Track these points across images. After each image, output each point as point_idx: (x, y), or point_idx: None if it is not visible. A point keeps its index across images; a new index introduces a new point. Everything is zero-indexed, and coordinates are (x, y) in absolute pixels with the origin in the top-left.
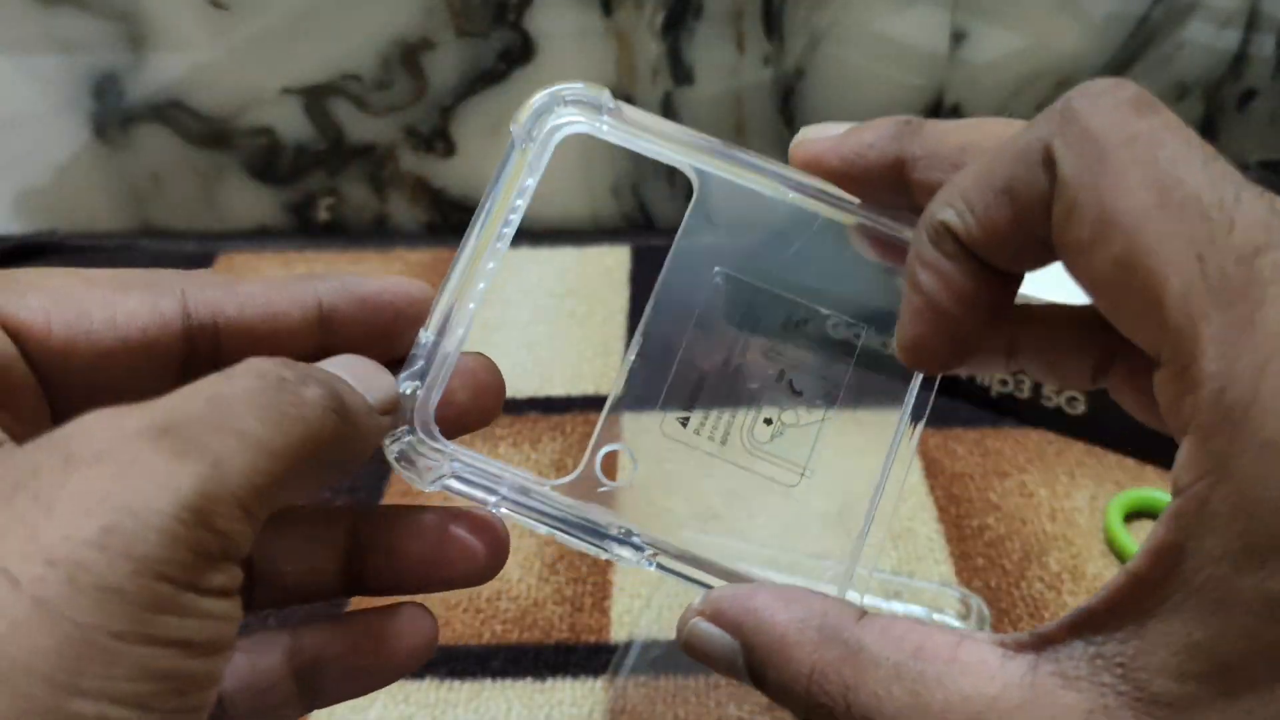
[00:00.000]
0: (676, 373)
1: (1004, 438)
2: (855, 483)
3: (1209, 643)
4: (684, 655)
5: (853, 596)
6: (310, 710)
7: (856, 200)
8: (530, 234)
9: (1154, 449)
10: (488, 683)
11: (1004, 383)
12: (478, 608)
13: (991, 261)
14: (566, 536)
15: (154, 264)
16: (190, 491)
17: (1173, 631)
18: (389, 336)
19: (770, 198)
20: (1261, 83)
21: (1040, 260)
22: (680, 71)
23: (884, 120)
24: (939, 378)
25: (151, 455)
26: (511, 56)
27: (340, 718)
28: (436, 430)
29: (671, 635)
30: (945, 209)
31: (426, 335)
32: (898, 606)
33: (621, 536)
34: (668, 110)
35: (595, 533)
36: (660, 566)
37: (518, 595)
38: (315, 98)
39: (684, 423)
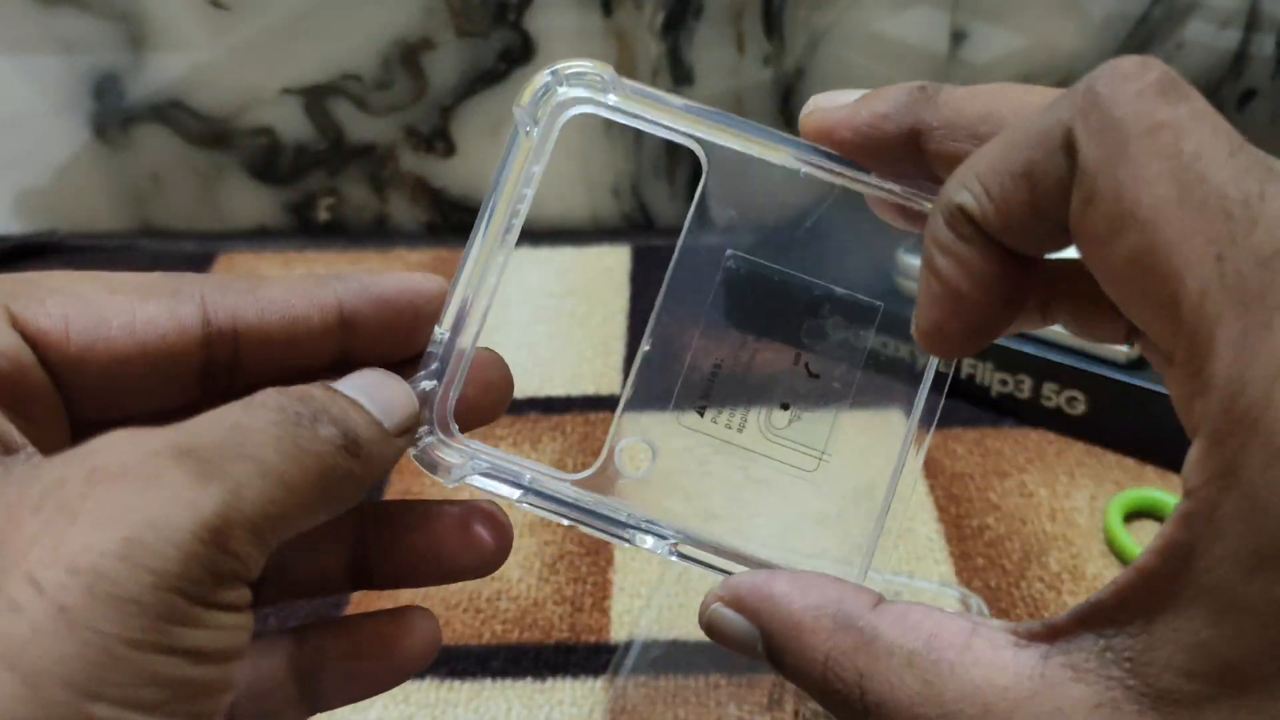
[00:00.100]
0: (692, 361)
1: (1004, 438)
2: (871, 474)
3: (1216, 642)
4: (684, 655)
5: (870, 580)
6: (312, 714)
7: (870, 172)
8: (530, 234)
9: (1154, 449)
10: (488, 683)
11: (1004, 383)
12: (478, 608)
13: (1009, 245)
14: (589, 528)
15: (154, 264)
16: (210, 513)
17: (1181, 629)
18: (408, 335)
19: (783, 171)
20: (1261, 83)
21: (1059, 244)
22: (680, 71)
23: (897, 87)
24: (950, 374)
25: (174, 475)
26: (511, 56)
27: (340, 718)
28: (455, 428)
29: (671, 635)
30: (961, 192)
31: (441, 332)
32: None
33: (643, 526)
34: None
35: (617, 523)
36: (681, 555)
37: (518, 595)
38: (315, 98)
39: (701, 412)
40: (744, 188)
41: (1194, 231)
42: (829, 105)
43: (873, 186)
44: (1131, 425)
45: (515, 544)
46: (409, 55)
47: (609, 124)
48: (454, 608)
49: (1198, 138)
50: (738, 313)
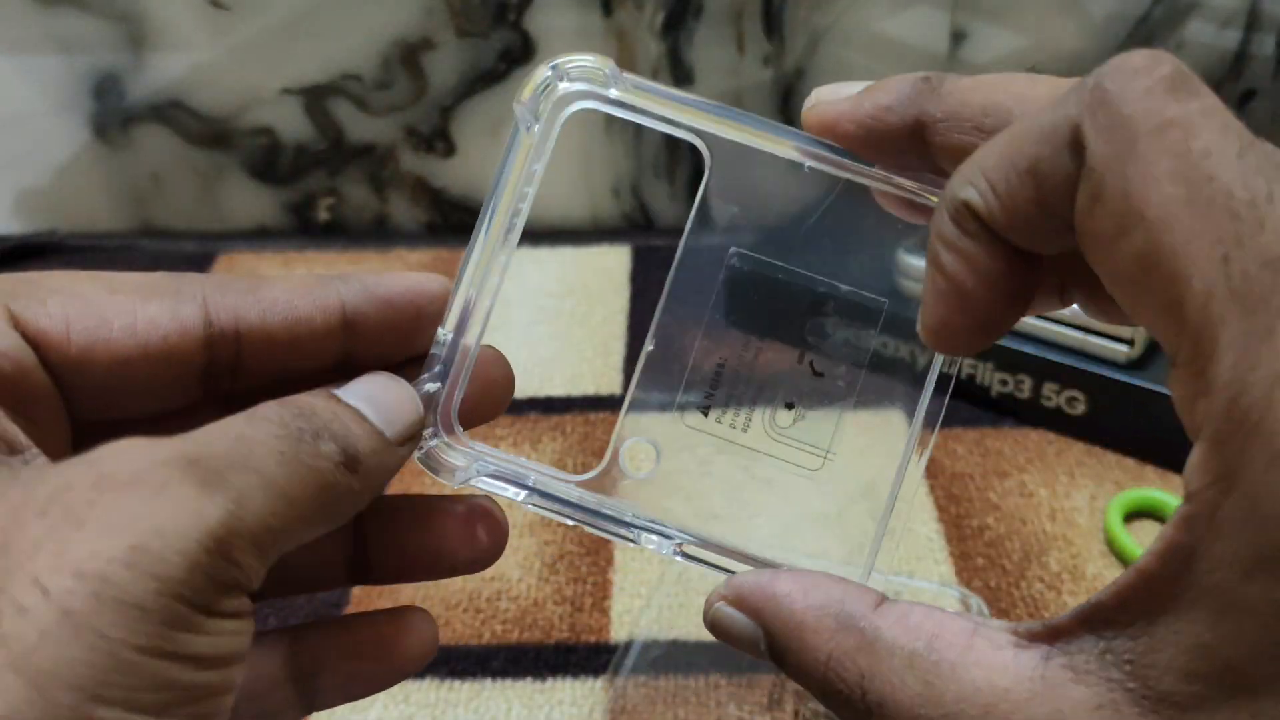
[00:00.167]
0: (695, 360)
1: (1004, 438)
2: (875, 474)
3: (1217, 645)
4: (684, 655)
5: (873, 580)
6: (308, 713)
7: (875, 165)
8: (530, 234)
9: (1154, 449)
10: (488, 683)
11: (1004, 383)
12: (478, 608)
13: (1015, 242)
14: (594, 529)
15: (154, 264)
16: (216, 523)
17: (1182, 631)
18: (411, 335)
19: (787, 166)
20: (1261, 83)
21: (1065, 242)
22: (680, 71)
23: (901, 78)
24: (954, 375)
25: (181, 484)
26: (511, 56)
27: (341, 718)
28: (460, 429)
29: (671, 635)
30: (967, 188)
31: (444, 333)
32: None
33: (648, 526)
34: None
35: (622, 523)
36: (686, 555)
37: (518, 595)
38: (315, 98)
39: (705, 411)
40: (747, 184)
41: (1201, 232)
42: (832, 98)
43: (878, 180)
44: (1131, 425)
45: (515, 544)
46: (409, 55)
47: (609, 123)
48: (454, 608)
49: (1207, 135)
50: (741, 311)
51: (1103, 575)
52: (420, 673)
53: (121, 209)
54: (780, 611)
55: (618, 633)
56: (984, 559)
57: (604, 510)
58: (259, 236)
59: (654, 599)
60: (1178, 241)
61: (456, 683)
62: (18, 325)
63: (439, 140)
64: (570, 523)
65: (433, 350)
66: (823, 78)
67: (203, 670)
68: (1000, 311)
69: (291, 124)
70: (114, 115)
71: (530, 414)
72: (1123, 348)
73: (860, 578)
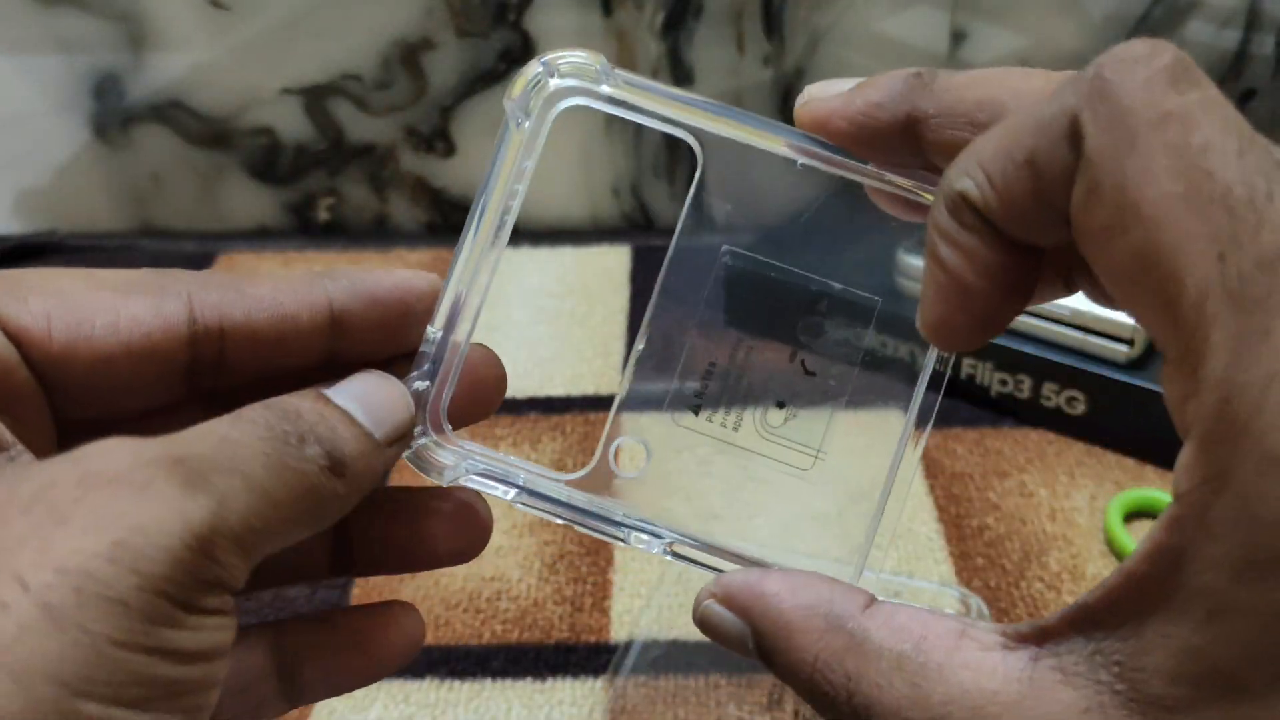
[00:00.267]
0: (686, 359)
1: (1004, 438)
2: (867, 473)
3: (1206, 648)
4: (684, 655)
5: (865, 580)
6: (293, 707)
7: (869, 162)
8: (530, 234)
9: (1154, 449)
10: (488, 683)
11: (1004, 383)
12: (478, 608)
13: (1012, 235)
14: (584, 528)
15: (154, 264)
16: (199, 522)
17: (1170, 634)
18: (399, 333)
19: (780, 163)
20: (1261, 83)
21: (1064, 235)
22: (680, 71)
23: (893, 74)
24: (947, 373)
25: (165, 483)
26: (511, 56)
27: (341, 717)
28: (449, 427)
29: (671, 635)
30: (963, 179)
31: (434, 331)
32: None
33: (638, 526)
34: None
35: (612, 523)
36: (676, 555)
37: (518, 595)
38: (315, 98)
39: (696, 411)
40: (740, 181)
41: (1197, 230)
42: (824, 95)
43: (871, 178)
44: (1131, 425)
45: (515, 544)
46: (409, 55)
47: (609, 123)
48: (454, 608)
49: (1207, 130)
50: (733, 310)
51: (1102, 575)
52: (420, 672)
53: (121, 209)
54: (768, 611)
55: (618, 633)
56: (984, 559)
57: (593, 509)
58: (259, 236)
59: (654, 599)
60: (1174, 238)
61: (456, 683)
62: None
63: (439, 140)
64: (560, 521)
65: (422, 348)
66: (823, 77)
67: (185, 665)
68: (999, 305)
69: (291, 124)
70: (114, 115)
71: (530, 414)
72: (1123, 348)
73: (851, 578)
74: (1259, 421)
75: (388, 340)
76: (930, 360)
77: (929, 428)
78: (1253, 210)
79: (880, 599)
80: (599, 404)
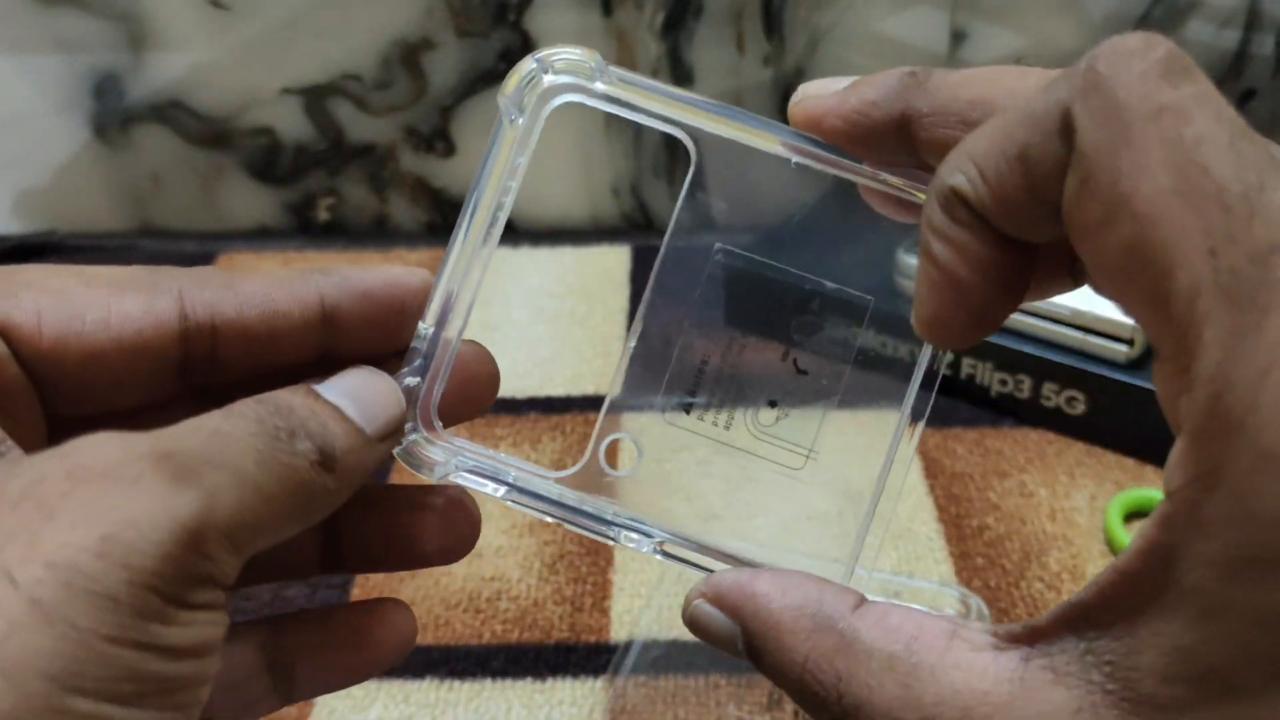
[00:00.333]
0: (678, 358)
1: (1004, 437)
2: (859, 473)
3: (1198, 647)
4: (684, 655)
5: (858, 579)
6: (286, 704)
7: (863, 162)
8: (530, 234)
9: (1154, 449)
10: (488, 683)
11: (1004, 383)
12: (478, 608)
13: (1006, 231)
14: (574, 526)
15: (153, 264)
16: (188, 516)
17: (1162, 633)
18: (392, 329)
19: (774, 162)
20: (1261, 83)
21: (1057, 231)
22: (680, 71)
23: (887, 73)
24: (940, 372)
25: (154, 478)
26: (511, 56)
27: (341, 717)
28: (440, 424)
29: (671, 635)
30: (956, 174)
31: (425, 327)
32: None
33: (628, 524)
34: None
35: (602, 521)
36: (666, 554)
37: (518, 595)
38: (315, 98)
39: (687, 409)
40: (734, 179)
41: (1190, 224)
42: (818, 93)
43: (866, 177)
44: (1131, 425)
45: (515, 544)
46: (409, 55)
47: (609, 123)
48: (454, 608)
49: (1201, 123)
50: (725, 308)
51: None
52: (420, 672)
53: (121, 209)
54: (758, 611)
55: (618, 633)
56: (984, 559)
57: (584, 508)
58: (259, 236)
59: (654, 599)
60: (1166, 233)
61: (456, 683)
62: None
63: (439, 140)
64: (550, 520)
65: (413, 345)
66: (823, 77)
67: (176, 661)
68: (994, 302)
69: (291, 124)
70: (114, 115)
71: (530, 414)
72: (1123, 348)
73: (842, 578)
74: (1252, 418)
75: (381, 337)
76: (924, 358)
77: (922, 425)
78: (1246, 204)
79: (872, 599)
80: (599, 404)
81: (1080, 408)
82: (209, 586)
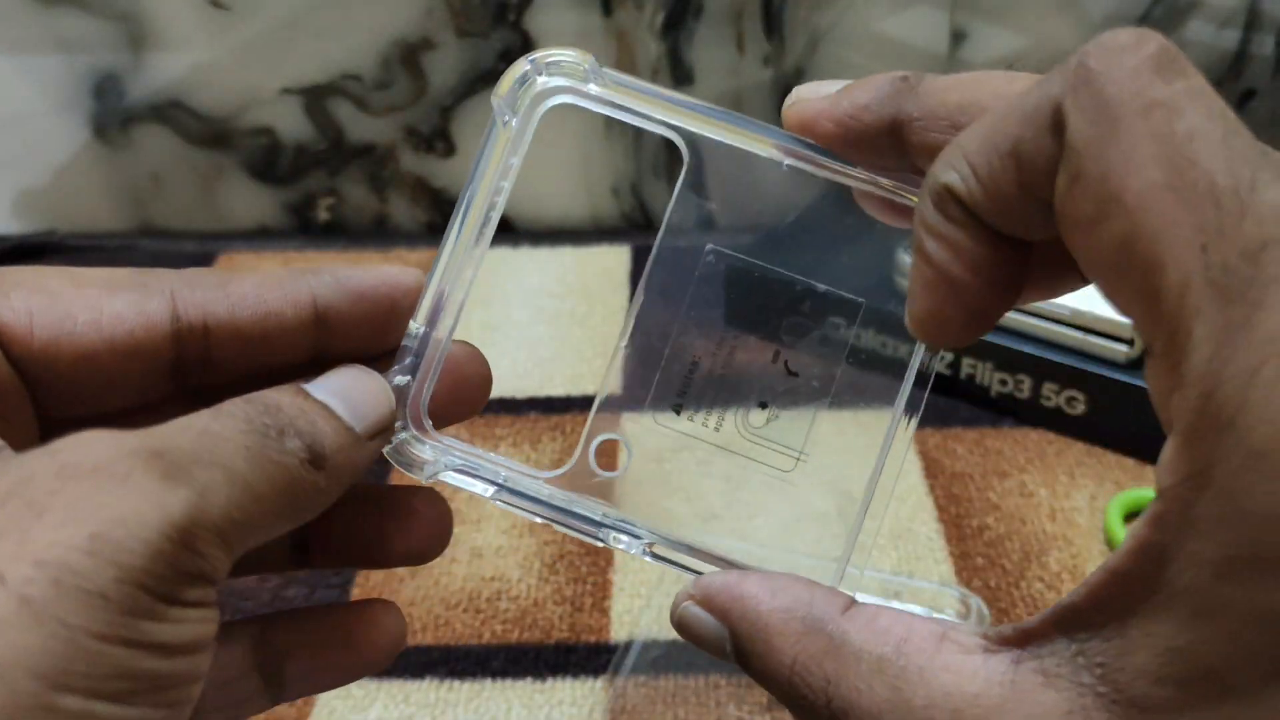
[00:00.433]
0: (669, 358)
1: (1004, 437)
2: (851, 474)
3: (1190, 648)
4: (684, 655)
5: (849, 579)
6: (276, 703)
7: (855, 165)
8: (530, 234)
9: (1154, 449)
10: (488, 683)
11: (1004, 383)
12: (478, 608)
13: (998, 228)
14: (563, 527)
15: (154, 264)
16: (179, 514)
17: (1154, 634)
18: (384, 329)
19: (766, 164)
20: (1261, 83)
21: (1050, 228)
22: (680, 72)
23: (880, 77)
24: (932, 373)
25: (144, 475)
26: (511, 56)
27: (341, 717)
28: (429, 424)
29: (671, 635)
30: (948, 172)
31: (416, 326)
32: (896, 606)
33: (617, 525)
34: None
35: (591, 522)
36: (655, 555)
37: (518, 595)
38: (315, 98)
39: (677, 410)
40: (726, 181)
41: (1180, 220)
42: (811, 96)
43: (858, 180)
44: (1131, 425)
45: (515, 544)
46: (409, 55)
47: (608, 123)
48: (454, 608)
49: (1192, 119)
50: (716, 309)
51: None
52: (420, 672)
53: (121, 209)
54: (746, 613)
55: (618, 633)
56: (984, 559)
57: (573, 508)
58: (259, 236)
59: (654, 599)
60: (1156, 228)
61: (456, 683)
62: None
63: (439, 140)
64: (540, 520)
65: (404, 343)
66: (822, 78)
67: (167, 659)
68: (988, 300)
69: (291, 124)
70: (114, 115)
71: (530, 414)
72: (1123, 348)
73: (832, 580)
74: (1243, 416)
75: (374, 336)
76: (916, 359)
77: (914, 425)
78: (1237, 200)
79: (861, 601)
80: None
81: (1080, 408)
82: (199, 584)
